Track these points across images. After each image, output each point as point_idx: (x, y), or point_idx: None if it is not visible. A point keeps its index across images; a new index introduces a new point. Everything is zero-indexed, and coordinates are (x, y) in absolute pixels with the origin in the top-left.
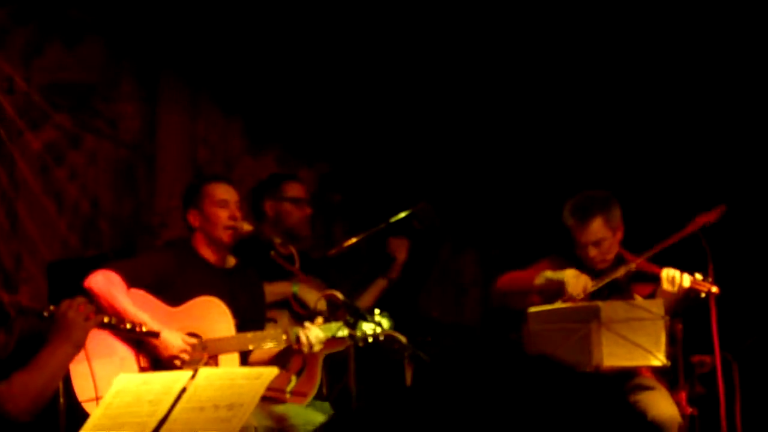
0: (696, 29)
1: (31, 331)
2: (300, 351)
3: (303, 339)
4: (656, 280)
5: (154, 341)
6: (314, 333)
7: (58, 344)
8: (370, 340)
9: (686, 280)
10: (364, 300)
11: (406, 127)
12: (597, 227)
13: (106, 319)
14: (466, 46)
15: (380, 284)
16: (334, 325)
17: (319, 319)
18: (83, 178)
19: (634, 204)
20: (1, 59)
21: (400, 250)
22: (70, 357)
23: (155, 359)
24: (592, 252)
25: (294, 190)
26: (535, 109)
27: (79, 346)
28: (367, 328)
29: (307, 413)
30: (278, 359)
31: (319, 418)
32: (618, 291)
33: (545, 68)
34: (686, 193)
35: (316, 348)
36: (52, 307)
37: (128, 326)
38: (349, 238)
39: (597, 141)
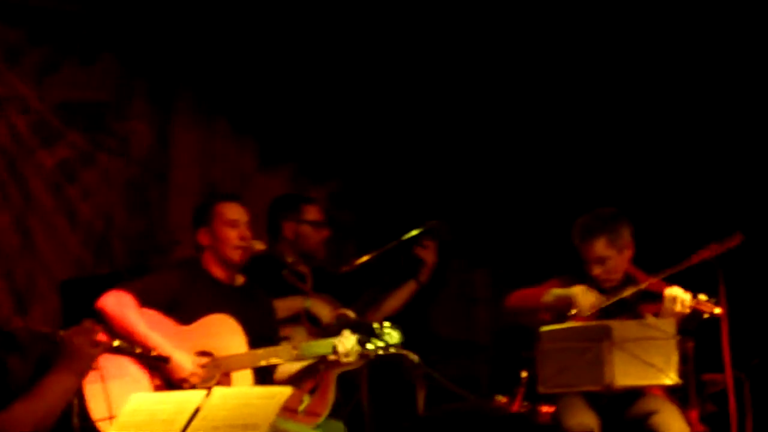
0: (714, 50)
1: (48, 355)
2: (336, 363)
3: (340, 348)
4: (662, 299)
5: (165, 365)
6: (350, 342)
7: (61, 372)
8: (381, 352)
9: (688, 301)
10: (392, 303)
11: (419, 146)
12: (600, 246)
13: (116, 343)
14: (479, 65)
15: (410, 287)
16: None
17: (347, 332)
18: (96, 196)
19: (652, 224)
20: (15, 79)
21: (429, 253)
22: (73, 385)
23: (168, 380)
24: (597, 270)
25: (313, 213)
26: (551, 127)
27: (83, 374)
28: (379, 343)
29: None
30: (303, 375)
31: None
32: (626, 309)
33: (562, 87)
34: (707, 214)
35: (352, 358)
36: (61, 332)
37: (138, 351)
38: (361, 255)
39: (616, 161)
